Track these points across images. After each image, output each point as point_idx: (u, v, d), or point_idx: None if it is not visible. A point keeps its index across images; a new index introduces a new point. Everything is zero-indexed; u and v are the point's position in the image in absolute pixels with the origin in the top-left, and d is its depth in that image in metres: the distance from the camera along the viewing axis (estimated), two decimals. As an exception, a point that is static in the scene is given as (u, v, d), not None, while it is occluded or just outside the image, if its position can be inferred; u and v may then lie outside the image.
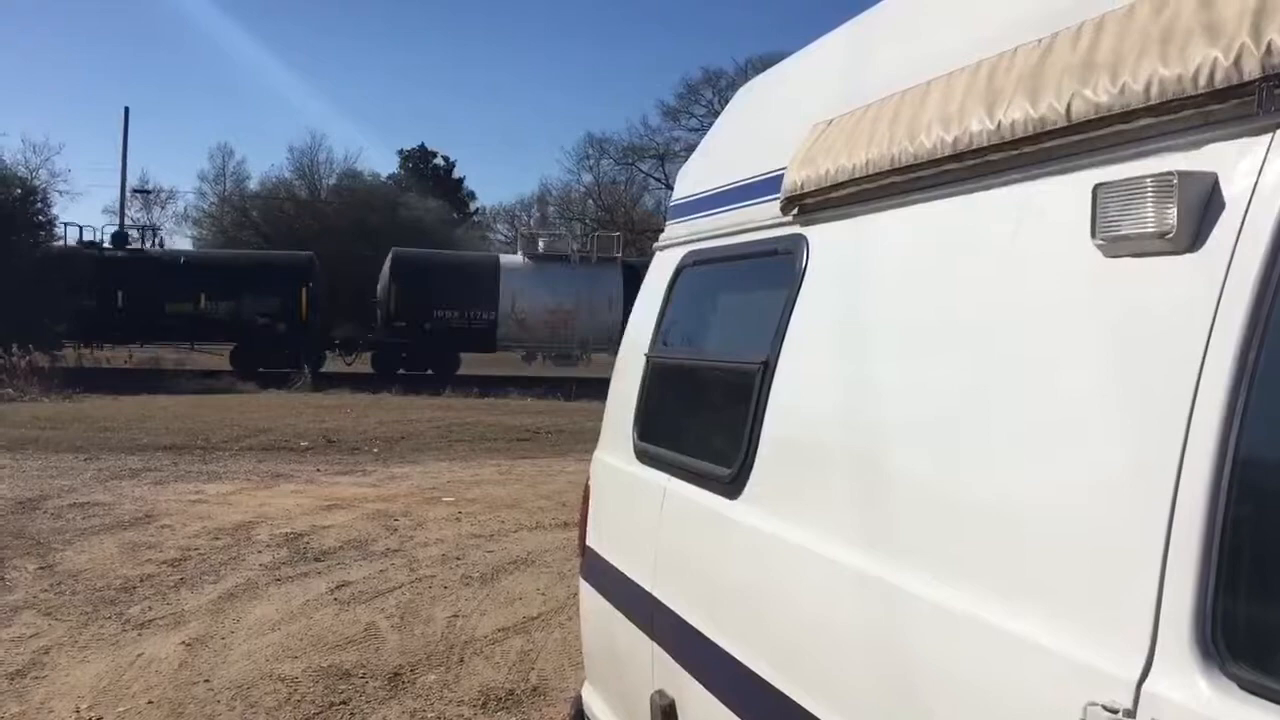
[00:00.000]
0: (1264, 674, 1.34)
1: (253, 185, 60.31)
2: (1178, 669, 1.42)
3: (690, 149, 5.89)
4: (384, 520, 10.08)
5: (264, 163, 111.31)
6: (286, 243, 40.72)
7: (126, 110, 48.24)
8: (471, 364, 31.42)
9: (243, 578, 7.78)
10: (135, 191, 54.97)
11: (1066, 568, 1.65)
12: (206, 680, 5.68)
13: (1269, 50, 1.40)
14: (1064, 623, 1.62)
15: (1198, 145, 1.56)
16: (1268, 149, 1.46)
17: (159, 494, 11.14)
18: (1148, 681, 1.45)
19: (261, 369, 28.54)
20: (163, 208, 61.56)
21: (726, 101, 3.96)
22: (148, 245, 34.40)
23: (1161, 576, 1.46)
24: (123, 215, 46.01)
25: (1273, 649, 1.40)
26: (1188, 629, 1.42)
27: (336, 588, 7.58)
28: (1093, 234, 1.65)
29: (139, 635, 6.42)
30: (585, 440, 12.98)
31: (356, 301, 33.30)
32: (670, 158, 52.72)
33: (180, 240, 54.60)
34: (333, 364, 32.00)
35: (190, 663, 5.95)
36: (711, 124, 4.01)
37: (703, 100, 52.28)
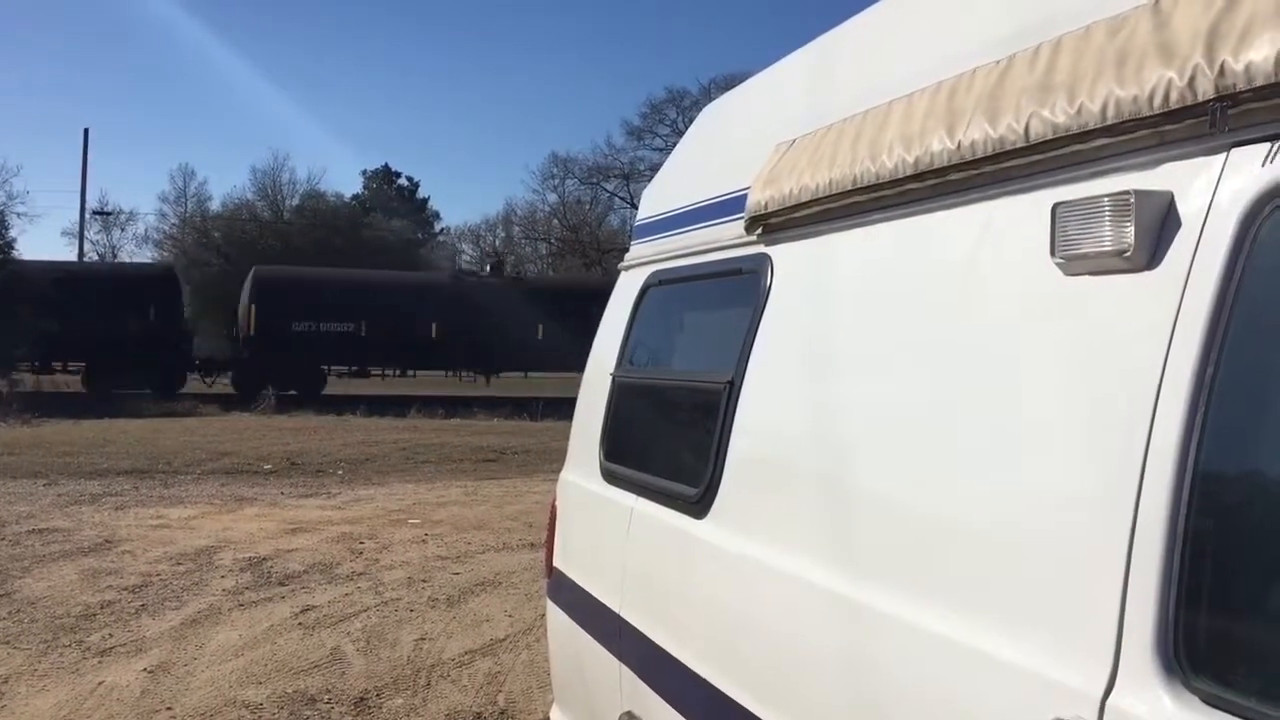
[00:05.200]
0: (1227, 688, 1.35)
1: (215, 206, 59.70)
2: (1142, 684, 1.43)
3: (655, 168, 5.92)
4: (349, 543, 9.98)
5: (226, 183, 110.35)
6: (250, 264, 40.33)
7: (86, 132, 47.87)
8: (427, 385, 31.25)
9: (205, 603, 7.67)
10: (95, 213, 54.41)
11: (1031, 584, 1.66)
12: (169, 708, 5.59)
13: (1222, 71, 1.42)
14: (1029, 639, 1.62)
15: (1154, 165, 1.58)
16: (1221, 168, 1.48)
17: (120, 519, 10.97)
18: (1112, 696, 1.46)
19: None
20: (122, 229, 60.92)
21: (690, 121, 3.98)
22: None
23: (1124, 592, 1.47)
24: (82, 237, 45.61)
25: (1235, 663, 1.41)
26: (1151, 644, 1.43)
27: (301, 612, 7.49)
28: (1052, 252, 1.67)
29: (100, 663, 6.31)
30: (552, 460, 12.93)
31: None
32: (635, 177, 52.70)
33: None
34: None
35: (152, 690, 5.85)
36: (676, 143, 4.03)
37: (667, 120, 52.38)
